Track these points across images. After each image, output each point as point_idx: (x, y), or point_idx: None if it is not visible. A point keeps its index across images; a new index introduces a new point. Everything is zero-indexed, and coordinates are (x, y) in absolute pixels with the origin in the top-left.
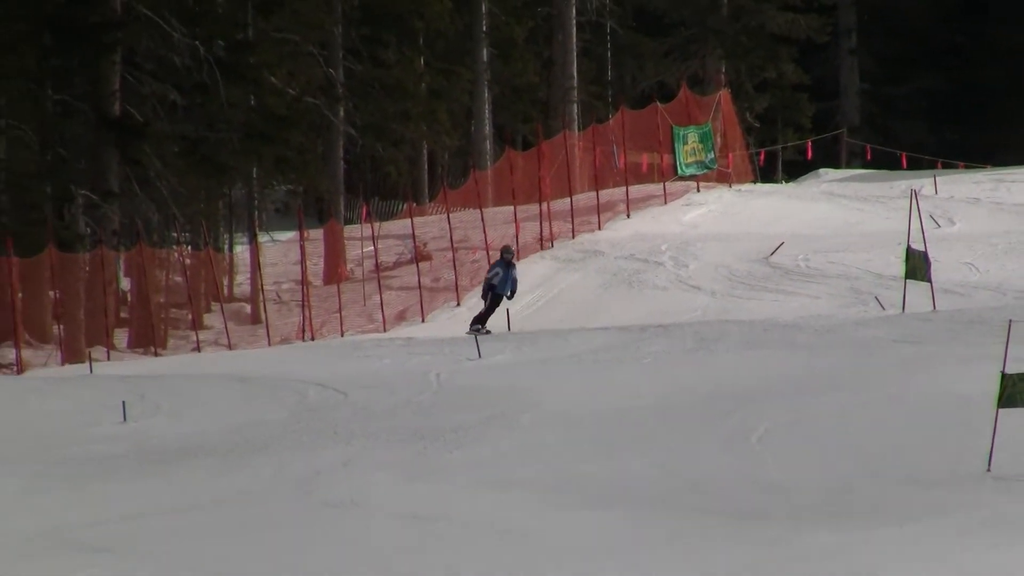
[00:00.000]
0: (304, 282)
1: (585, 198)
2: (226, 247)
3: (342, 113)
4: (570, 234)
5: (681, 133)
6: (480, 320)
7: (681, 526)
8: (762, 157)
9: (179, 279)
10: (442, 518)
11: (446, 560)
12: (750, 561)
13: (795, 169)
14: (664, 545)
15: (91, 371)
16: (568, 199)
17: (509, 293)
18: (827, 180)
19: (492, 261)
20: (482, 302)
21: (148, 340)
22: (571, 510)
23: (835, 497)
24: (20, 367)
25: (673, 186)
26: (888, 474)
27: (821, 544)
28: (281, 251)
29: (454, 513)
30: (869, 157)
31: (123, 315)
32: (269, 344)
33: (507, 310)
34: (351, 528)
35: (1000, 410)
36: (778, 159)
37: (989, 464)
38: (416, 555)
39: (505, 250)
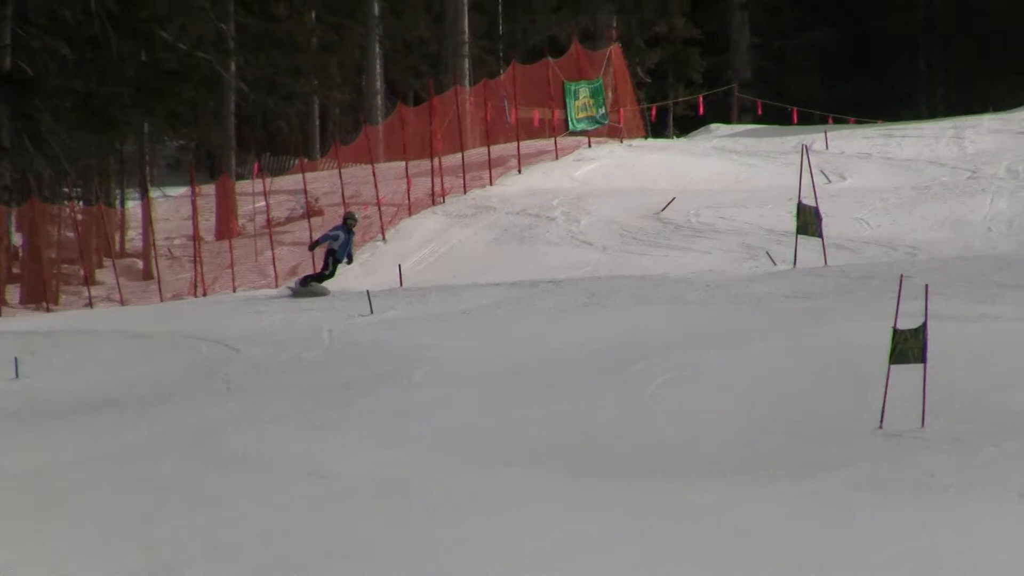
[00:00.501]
0: (196, 238)
1: (476, 153)
2: (118, 202)
3: (233, 68)
4: (461, 189)
5: (572, 88)
6: (312, 279)
7: (576, 480)
8: (653, 112)
9: (71, 234)
10: (335, 474)
11: (339, 516)
12: (643, 515)
13: (686, 124)
14: (559, 498)
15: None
16: (459, 154)
17: (347, 260)
18: (718, 135)
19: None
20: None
21: (40, 296)
22: (467, 465)
23: (728, 452)
24: None
25: (564, 141)
26: (781, 429)
27: (713, 499)
28: (173, 207)
29: (347, 469)
30: (760, 112)
31: (15, 271)
32: (161, 300)
33: (399, 265)
34: (245, 482)
35: (892, 366)
36: (669, 114)
37: (881, 420)
38: (307, 511)
39: (349, 216)
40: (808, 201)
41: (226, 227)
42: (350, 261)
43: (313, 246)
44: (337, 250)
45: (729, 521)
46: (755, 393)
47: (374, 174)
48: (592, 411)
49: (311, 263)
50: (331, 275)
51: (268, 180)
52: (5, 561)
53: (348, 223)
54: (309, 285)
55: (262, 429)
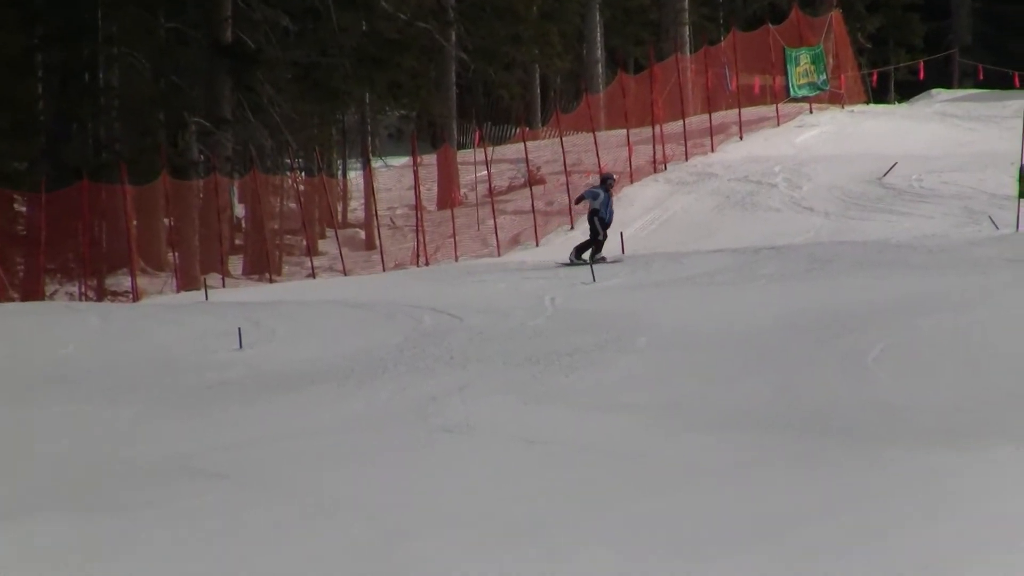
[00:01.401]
0: (418, 207)
1: (697, 121)
2: (340, 173)
3: (454, 37)
4: (683, 157)
5: (793, 54)
6: (585, 248)
7: (799, 448)
8: (874, 78)
9: (293, 205)
10: (558, 442)
11: (563, 485)
12: (869, 483)
13: (907, 90)
14: (783, 468)
15: (206, 298)
16: (681, 122)
17: (609, 220)
18: (940, 100)
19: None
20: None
21: (263, 267)
22: (688, 433)
23: (952, 417)
24: (136, 295)
25: (786, 108)
26: (1006, 395)
27: (938, 464)
28: (395, 176)
29: (570, 437)
30: (981, 77)
31: (237, 242)
32: (384, 270)
33: (621, 233)
34: (468, 452)
35: None
36: (890, 80)
37: None
38: (533, 478)
39: (607, 176)
40: None
41: (448, 196)
42: (609, 221)
43: (578, 200)
44: (600, 209)
45: (956, 486)
46: (979, 357)
47: (595, 142)
48: (815, 377)
49: (533, 231)
50: (604, 239)
51: (490, 149)
52: (230, 528)
53: (608, 183)
54: (583, 258)
55: (486, 398)
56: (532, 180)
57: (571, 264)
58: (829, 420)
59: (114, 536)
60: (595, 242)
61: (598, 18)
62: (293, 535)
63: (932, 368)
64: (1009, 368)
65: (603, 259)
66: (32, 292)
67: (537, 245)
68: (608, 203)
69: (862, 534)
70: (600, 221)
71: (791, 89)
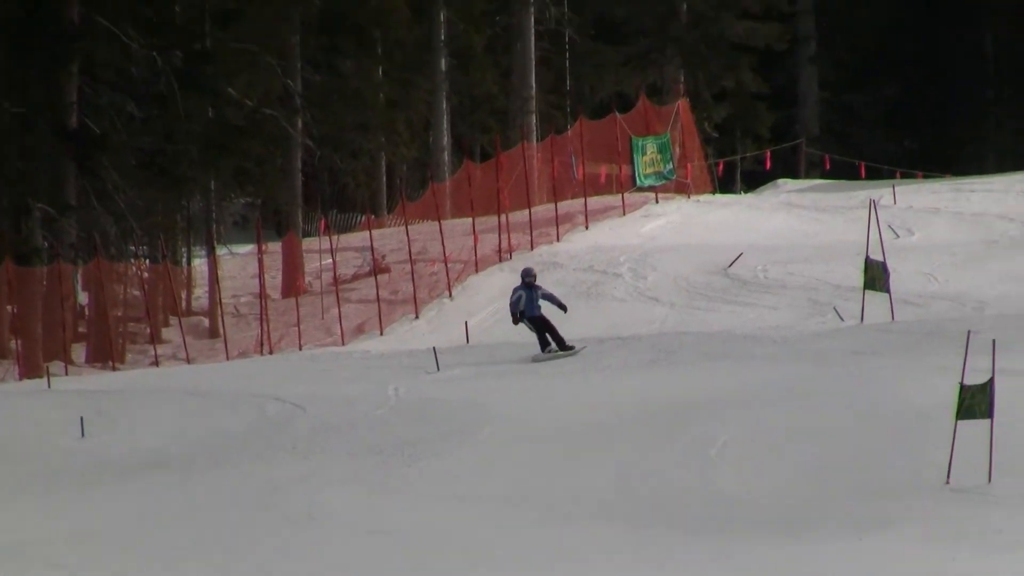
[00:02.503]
0: (262, 295)
1: (543, 210)
2: (184, 260)
3: (300, 124)
4: (529, 246)
5: (640, 144)
6: (544, 344)
7: (640, 538)
8: (720, 168)
9: (137, 293)
10: (402, 532)
11: (403, 572)
12: (710, 571)
13: (754, 180)
14: (624, 557)
15: (49, 386)
16: (527, 211)
17: (559, 305)
18: (786, 191)
19: (451, 275)
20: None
21: (106, 355)
22: (531, 524)
23: (793, 510)
24: None
25: (631, 197)
26: (847, 486)
27: (779, 556)
28: (239, 264)
29: (414, 528)
30: (828, 167)
31: (81, 329)
32: (227, 358)
33: (466, 322)
34: (311, 543)
35: (959, 422)
36: (737, 170)
37: (948, 476)
38: (376, 570)
39: (525, 273)
40: (876, 256)
41: (293, 284)
42: (564, 307)
43: (515, 321)
44: (525, 310)
45: None
46: (821, 449)
47: (441, 231)
48: (658, 468)
49: (378, 320)
50: (540, 334)
51: (335, 237)
52: None
53: (526, 280)
54: (550, 349)
55: (328, 488)
56: (377, 269)
57: (551, 357)
58: (670, 511)
59: None
60: (540, 339)
61: (444, 105)
62: None
63: (775, 460)
64: (852, 462)
65: (553, 348)
66: None
67: (381, 334)
68: (531, 297)
69: None
70: (529, 319)
71: (637, 178)
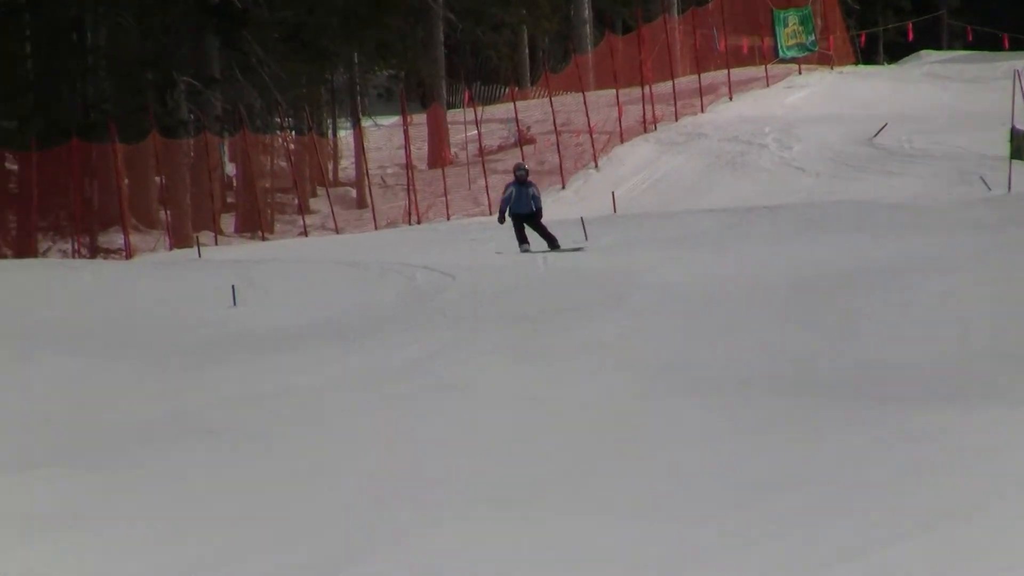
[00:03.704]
0: (409, 166)
1: (687, 81)
2: (330, 132)
3: None
4: (673, 117)
5: (781, 16)
6: (522, 240)
7: (788, 408)
8: (863, 39)
9: (284, 164)
10: (550, 400)
11: (553, 445)
12: (859, 443)
13: (896, 51)
14: (771, 429)
15: (199, 255)
16: (670, 82)
17: (535, 209)
18: (929, 62)
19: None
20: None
21: (255, 225)
22: (676, 394)
23: (942, 377)
24: (129, 252)
25: (774, 69)
26: (996, 354)
27: (929, 424)
28: (385, 136)
29: (562, 396)
30: (971, 39)
31: (229, 200)
32: (375, 228)
33: (612, 192)
34: (460, 411)
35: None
36: (879, 41)
37: None
38: (528, 436)
39: (519, 168)
40: (1022, 126)
41: (438, 155)
42: (539, 212)
43: (502, 217)
44: (513, 205)
45: (948, 446)
46: (970, 318)
47: (585, 102)
48: (804, 338)
49: None
50: (519, 231)
51: (479, 109)
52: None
53: (518, 175)
54: (559, 246)
55: (479, 356)
56: (522, 140)
57: (554, 251)
58: (818, 380)
59: (103, 494)
60: (518, 235)
61: None
62: (283, 494)
63: (923, 328)
64: (999, 329)
65: (527, 249)
66: (25, 250)
67: None
68: (523, 194)
69: (856, 493)
70: (514, 217)
71: (780, 50)
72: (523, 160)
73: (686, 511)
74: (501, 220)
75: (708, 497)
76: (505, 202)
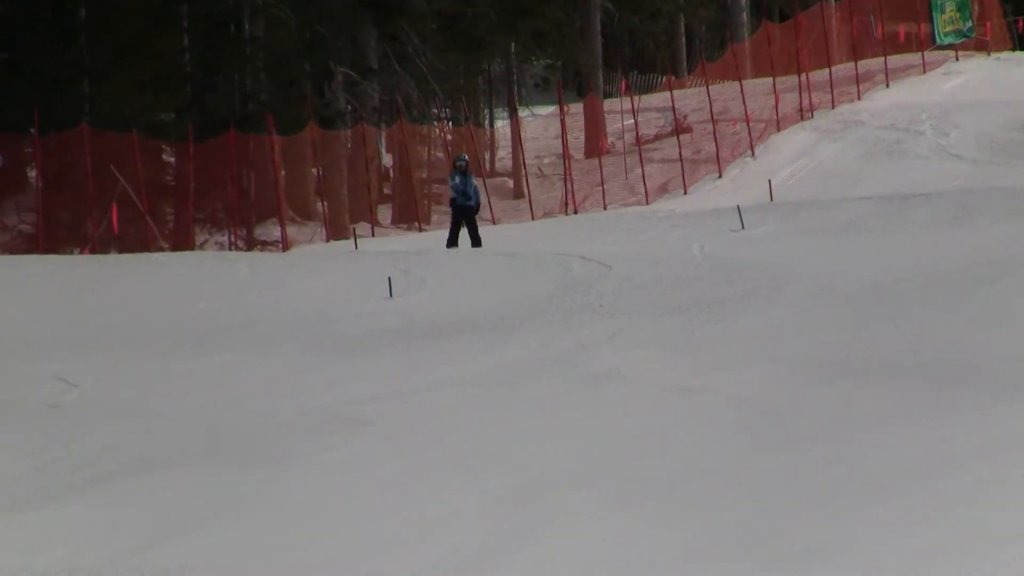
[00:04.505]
0: (566, 156)
1: (843, 69)
2: (486, 122)
3: None
4: (829, 104)
5: (938, 2)
6: (452, 241)
7: (941, 398)
8: (1020, 24)
9: (440, 155)
10: (706, 392)
11: (707, 436)
12: (1011, 431)
13: None
14: (923, 418)
15: (356, 247)
16: (826, 70)
17: (474, 203)
18: None
19: (752, 135)
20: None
21: (411, 215)
22: (830, 384)
23: None
24: (285, 244)
25: (931, 55)
26: None
27: None
28: (541, 126)
29: (718, 387)
30: None
31: (386, 191)
32: (532, 218)
33: (769, 180)
34: (615, 402)
35: None
36: None
37: None
38: (681, 427)
39: (458, 158)
40: None
41: (595, 145)
42: (476, 206)
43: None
44: (457, 197)
45: None
46: None
47: (742, 90)
48: (959, 328)
49: (681, 180)
50: (455, 225)
51: (636, 98)
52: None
53: (458, 165)
54: (450, 248)
55: (634, 346)
56: (679, 129)
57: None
58: (973, 369)
59: (258, 486)
60: (456, 227)
61: None
62: (436, 485)
63: None
64: None
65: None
66: (182, 242)
67: (685, 193)
68: (467, 186)
69: (1006, 482)
70: (455, 210)
71: (936, 36)
72: (679, 148)
73: (843, 498)
74: (452, 204)
75: (865, 484)
76: (454, 189)
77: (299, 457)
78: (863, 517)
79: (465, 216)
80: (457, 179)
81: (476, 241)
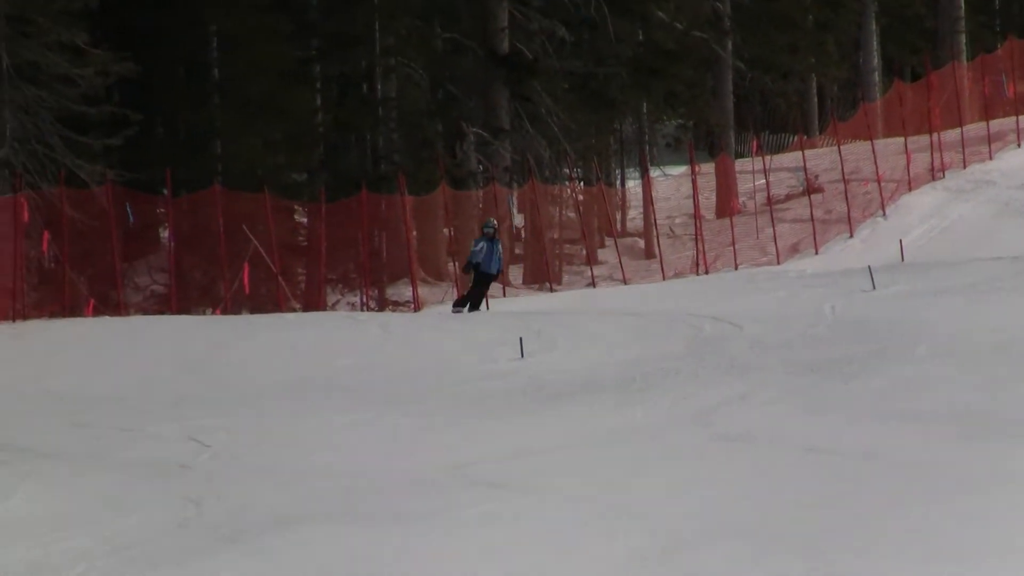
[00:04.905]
0: (697, 215)
1: (975, 128)
2: (618, 182)
3: (730, 47)
4: (961, 164)
5: None
6: (462, 303)
7: None
8: None
9: (572, 215)
10: (838, 451)
11: (842, 494)
12: None
13: None
14: None
15: (487, 308)
16: (958, 129)
17: (495, 271)
18: None
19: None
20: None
21: (543, 276)
22: (967, 442)
23: None
24: (417, 304)
25: None
26: None
27: None
28: (673, 185)
29: (850, 446)
30: None
31: (517, 251)
32: (663, 278)
33: (900, 240)
34: (747, 461)
35: None
36: None
37: None
38: (812, 487)
39: (486, 224)
40: None
41: (726, 205)
42: (498, 273)
43: (467, 269)
44: (482, 263)
45: None
46: None
47: (873, 150)
48: None
49: (812, 239)
50: (482, 291)
51: (767, 158)
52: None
53: (486, 231)
54: (458, 309)
55: (766, 406)
56: (810, 188)
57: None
58: None
59: (394, 545)
60: (472, 294)
61: (874, 27)
62: (572, 544)
63: None
64: None
65: (463, 311)
66: (313, 302)
67: (816, 253)
68: (492, 251)
69: None
70: (479, 275)
71: None
72: (811, 208)
73: (983, 556)
74: (467, 271)
75: (1005, 542)
76: (476, 255)
77: (435, 515)
78: (1005, 575)
79: (484, 282)
80: (482, 244)
81: (476, 305)
